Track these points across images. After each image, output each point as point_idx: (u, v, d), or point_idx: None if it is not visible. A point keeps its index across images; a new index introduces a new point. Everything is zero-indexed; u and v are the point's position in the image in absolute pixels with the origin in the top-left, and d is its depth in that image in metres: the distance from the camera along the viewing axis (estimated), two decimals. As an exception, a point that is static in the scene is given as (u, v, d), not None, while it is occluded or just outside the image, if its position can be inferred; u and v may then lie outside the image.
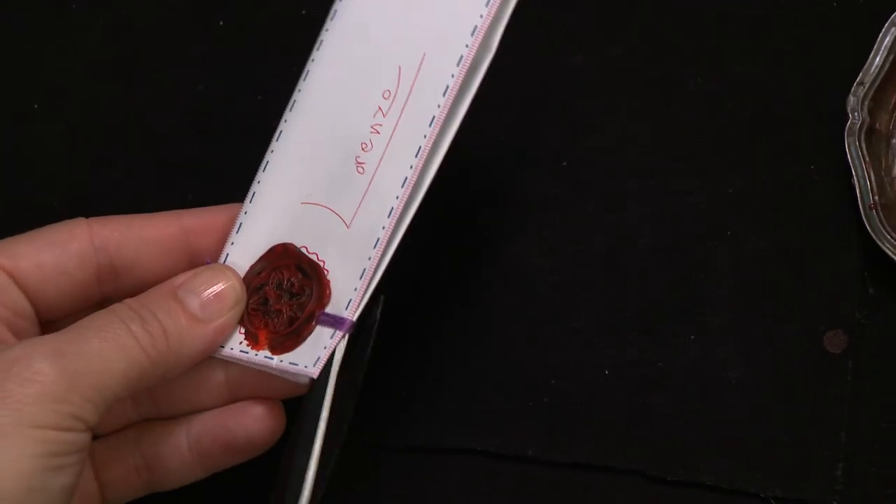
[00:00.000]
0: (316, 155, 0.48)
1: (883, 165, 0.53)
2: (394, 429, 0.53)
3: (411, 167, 0.46)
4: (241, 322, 0.47)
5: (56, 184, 0.57)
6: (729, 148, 0.55)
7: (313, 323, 0.46)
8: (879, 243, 0.51)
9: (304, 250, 0.47)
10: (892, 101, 0.54)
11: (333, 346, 0.46)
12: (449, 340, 0.54)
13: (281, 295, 0.47)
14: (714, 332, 0.52)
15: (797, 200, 0.54)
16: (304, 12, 0.56)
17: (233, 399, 0.47)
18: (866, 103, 0.53)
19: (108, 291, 0.47)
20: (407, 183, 0.46)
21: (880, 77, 0.53)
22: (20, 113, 0.58)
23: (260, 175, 0.48)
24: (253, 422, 0.47)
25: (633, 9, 0.56)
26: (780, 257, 0.53)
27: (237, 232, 0.48)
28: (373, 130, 0.47)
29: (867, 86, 0.53)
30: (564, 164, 0.55)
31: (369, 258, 0.46)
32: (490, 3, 0.46)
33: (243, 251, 0.48)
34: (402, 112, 0.47)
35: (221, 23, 0.58)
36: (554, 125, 0.56)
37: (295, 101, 0.48)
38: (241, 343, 0.46)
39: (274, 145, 0.48)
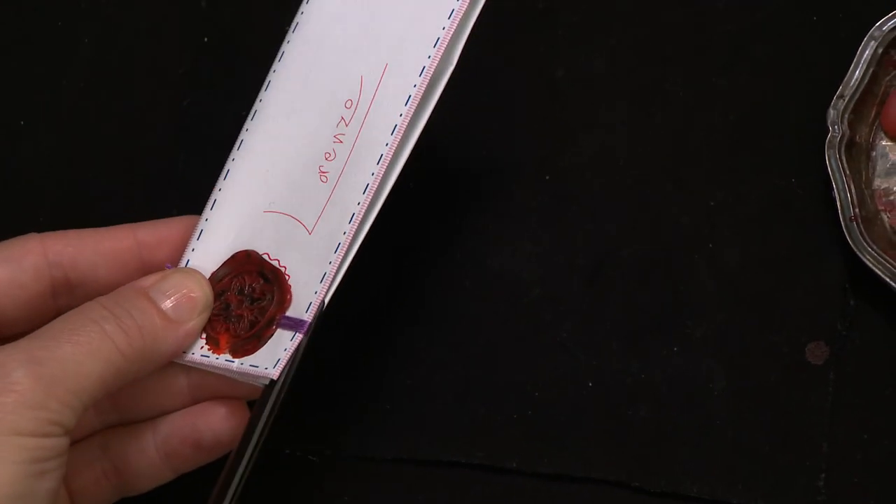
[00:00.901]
0: (277, 165, 0.48)
1: (863, 178, 0.54)
2: (380, 442, 0.53)
3: (373, 174, 0.47)
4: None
5: (43, 198, 0.57)
6: (710, 160, 0.55)
7: (273, 326, 0.47)
8: (860, 255, 0.51)
9: (266, 257, 0.47)
10: (872, 114, 0.54)
11: (294, 348, 0.46)
12: (434, 353, 0.54)
13: (242, 300, 0.47)
14: (696, 343, 0.52)
15: (778, 213, 0.54)
16: (286, 28, 0.53)
17: (195, 401, 0.48)
18: (846, 116, 0.53)
19: (62, 304, 0.47)
20: (368, 189, 0.46)
21: (860, 90, 0.53)
22: (6, 129, 0.58)
23: (221, 183, 0.48)
24: (219, 420, 0.47)
25: (614, 24, 0.57)
26: (761, 269, 0.53)
27: (198, 238, 0.48)
28: (336, 140, 0.47)
29: (847, 99, 0.53)
30: (547, 177, 0.55)
31: (330, 262, 0.47)
32: (452, 15, 0.46)
33: (204, 257, 0.48)
34: (363, 121, 0.47)
35: (206, 39, 0.58)
36: (536, 138, 0.56)
37: (256, 110, 0.48)
38: (202, 348, 0.47)
39: (235, 153, 0.48)
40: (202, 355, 0.47)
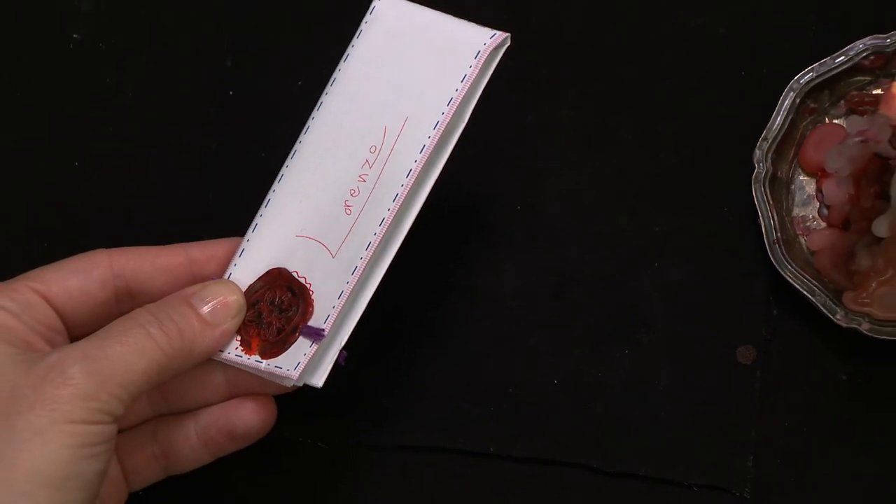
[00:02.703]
0: (310, 197, 0.49)
1: (784, 207, 0.55)
2: (380, 431, 0.55)
3: (388, 210, 0.48)
4: (238, 331, 0.48)
5: (92, 229, 0.57)
6: (656, 194, 0.56)
7: (297, 334, 0.48)
8: (782, 272, 0.54)
9: (295, 274, 0.49)
10: (792, 154, 0.56)
11: (312, 353, 0.48)
12: (425, 356, 0.55)
13: (273, 310, 0.49)
14: (645, 348, 0.54)
15: (713, 237, 0.56)
16: (299, 83, 0.58)
17: (231, 395, 0.49)
18: (769, 155, 0.55)
19: (124, 308, 0.48)
20: (384, 222, 0.48)
21: (781, 133, 0.55)
22: (64, 170, 0.58)
23: (262, 210, 0.50)
24: (249, 414, 0.49)
25: (576, 79, 0.58)
26: (699, 285, 0.55)
27: (240, 256, 0.49)
28: (360, 179, 0.49)
29: (770, 140, 0.55)
30: (519, 208, 0.56)
31: (347, 282, 0.48)
32: (464, 80, 0.48)
33: (244, 272, 0.49)
34: (385, 164, 0.48)
35: (231, 93, 0.59)
36: (510, 175, 0.57)
37: (296, 150, 0.50)
38: (236, 348, 0.48)
39: (276, 186, 0.50)
40: (236, 355, 0.48)
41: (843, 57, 0.56)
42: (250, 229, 0.50)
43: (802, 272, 0.54)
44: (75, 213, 0.58)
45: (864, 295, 0.53)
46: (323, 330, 0.48)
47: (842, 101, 0.57)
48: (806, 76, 0.56)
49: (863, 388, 0.55)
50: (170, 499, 0.53)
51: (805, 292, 0.54)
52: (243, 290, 0.49)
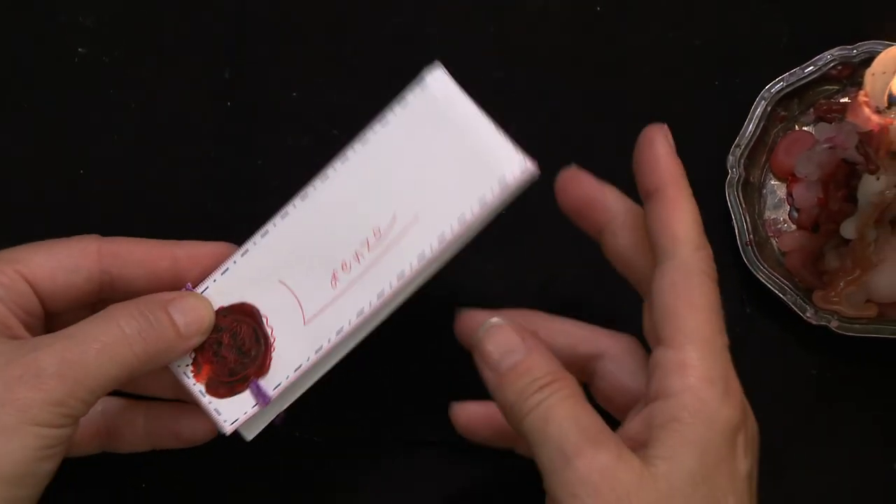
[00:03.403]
0: (305, 251, 0.47)
1: (756, 210, 0.57)
2: (369, 425, 0.55)
3: (370, 303, 0.46)
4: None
5: (98, 230, 0.51)
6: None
7: (246, 385, 0.47)
8: (754, 272, 0.55)
9: (265, 320, 0.47)
10: (763, 159, 0.57)
11: (252, 414, 0.47)
12: (417, 357, 0.56)
13: (232, 345, 0.47)
14: None
15: None
16: (294, 95, 0.59)
17: (178, 397, 0.50)
18: (742, 161, 0.56)
19: (104, 298, 0.48)
20: (362, 314, 0.46)
21: (753, 140, 0.57)
22: (68, 177, 0.59)
23: (258, 239, 0.48)
24: (197, 422, 0.49)
25: (559, 89, 0.58)
26: None
27: (221, 274, 0.48)
28: (355, 256, 0.47)
29: (743, 147, 0.56)
30: (502, 211, 0.49)
31: (308, 358, 0.47)
32: (482, 203, 0.45)
33: (220, 292, 0.48)
34: (382, 254, 0.46)
35: (229, 104, 0.59)
36: None
37: (308, 195, 0.48)
38: (188, 366, 0.47)
39: (277, 221, 0.48)
40: (184, 374, 0.47)
41: (811, 67, 0.57)
42: (240, 252, 0.48)
43: (774, 272, 0.55)
44: (80, 219, 0.59)
45: (833, 294, 0.54)
46: (270, 397, 0.47)
47: (811, 109, 0.58)
48: (777, 85, 0.57)
49: (831, 383, 0.56)
50: (168, 496, 0.54)
51: (776, 291, 0.55)
52: (214, 308, 0.48)
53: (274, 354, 0.47)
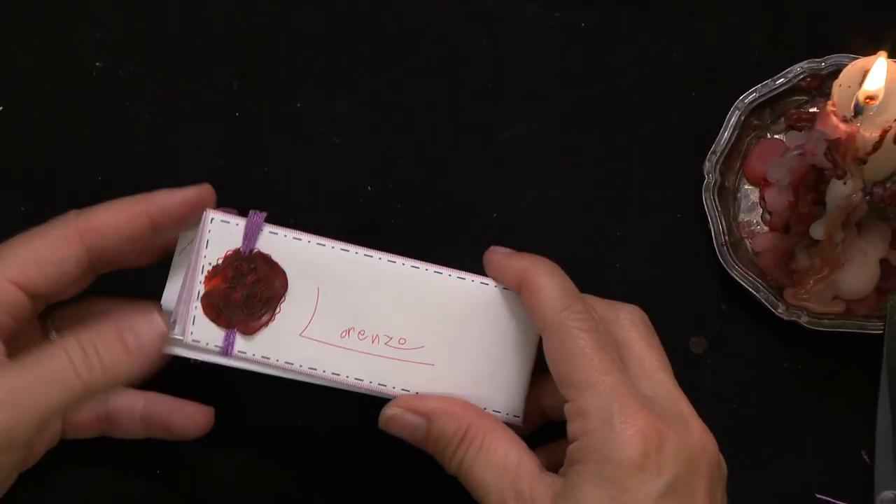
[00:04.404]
0: (356, 293, 0.48)
1: (731, 213, 0.57)
2: (352, 414, 0.54)
3: (347, 376, 0.48)
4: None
5: None
6: (618, 202, 0.58)
7: (227, 328, 0.48)
8: (729, 271, 0.56)
9: (283, 299, 0.48)
10: (738, 165, 0.58)
11: (204, 348, 0.48)
12: None
13: (249, 287, 0.48)
14: None
15: (668, 240, 0.58)
16: (298, 105, 0.59)
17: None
18: (718, 167, 0.57)
19: (99, 270, 0.49)
20: (334, 374, 0.48)
21: (728, 147, 0.57)
22: (88, 184, 0.59)
23: (349, 249, 0.49)
24: (188, 420, 0.51)
25: (547, 97, 0.59)
26: (656, 282, 0.57)
27: (294, 237, 0.48)
28: (373, 337, 0.48)
29: (719, 154, 0.57)
30: (495, 215, 0.58)
31: (278, 360, 0.48)
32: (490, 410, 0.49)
33: (279, 245, 0.48)
34: (387, 358, 0.48)
35: (237, 114, 0.59)
36: (488, 186, 0.58)
37: (396, 261, 0.49)
38: (210, 264, 0.47)
39: (368, 252, 0.49)
40: (200, 270, 0.47)
41: (782, 79, 0.58)
42: (336, 244, 0.49)
43: (748, 271, 0.56)
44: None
45: (803, 291, 0.55)
46: (231, 355, 0.48)
47: (782, 118, 0.59)
48: (750, 96, 0.58)
49: (802, 375, 0.57)
50: (164, 489, 0.55)
51: (750, 289, 0.56)
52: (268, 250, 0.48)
53: (265, 329, 0.48)
